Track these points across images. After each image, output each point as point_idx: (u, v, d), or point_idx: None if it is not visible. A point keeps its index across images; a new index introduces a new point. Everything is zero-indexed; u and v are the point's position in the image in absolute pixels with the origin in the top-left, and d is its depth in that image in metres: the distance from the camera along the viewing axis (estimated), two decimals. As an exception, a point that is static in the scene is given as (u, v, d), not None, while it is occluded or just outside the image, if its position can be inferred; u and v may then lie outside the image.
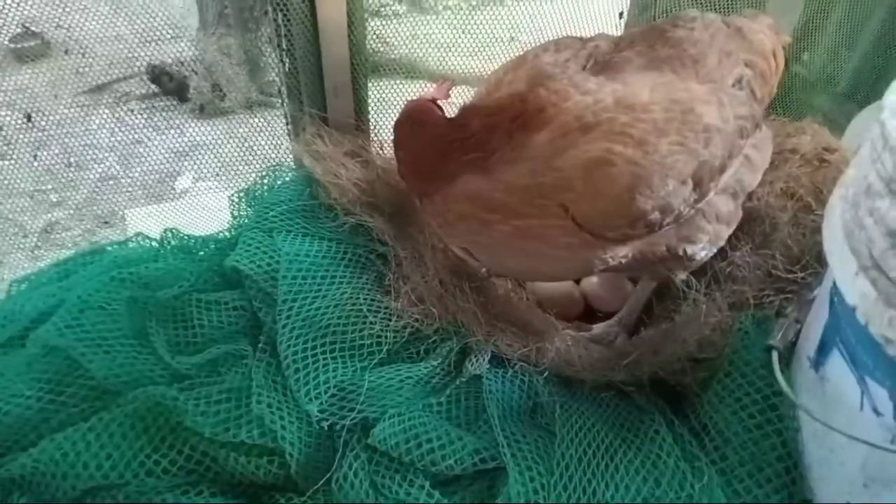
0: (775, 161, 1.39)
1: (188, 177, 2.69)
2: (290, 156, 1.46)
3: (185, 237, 1.31)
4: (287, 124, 1.41)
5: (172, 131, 2.13)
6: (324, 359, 1.05)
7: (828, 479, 0.91)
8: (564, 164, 0.98)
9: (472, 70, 1.64)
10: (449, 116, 1.04)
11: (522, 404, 1.07)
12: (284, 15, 1.21)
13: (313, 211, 1.26)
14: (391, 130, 1.06)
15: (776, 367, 0.96)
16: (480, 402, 1.06)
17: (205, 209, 1.83)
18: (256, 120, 2.13)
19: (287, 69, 1.29)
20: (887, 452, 0.79)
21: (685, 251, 1.13)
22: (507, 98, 1.05)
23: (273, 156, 1.67)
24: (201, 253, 1.30)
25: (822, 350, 0.89)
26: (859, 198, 0.79)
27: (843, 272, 0.79)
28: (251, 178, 1.36)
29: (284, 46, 1.26)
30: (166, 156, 2.18)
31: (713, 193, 1.11)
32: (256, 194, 1.34)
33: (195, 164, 2.22)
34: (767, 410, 0.97)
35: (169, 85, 1.86)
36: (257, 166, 1.72)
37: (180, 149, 2.12)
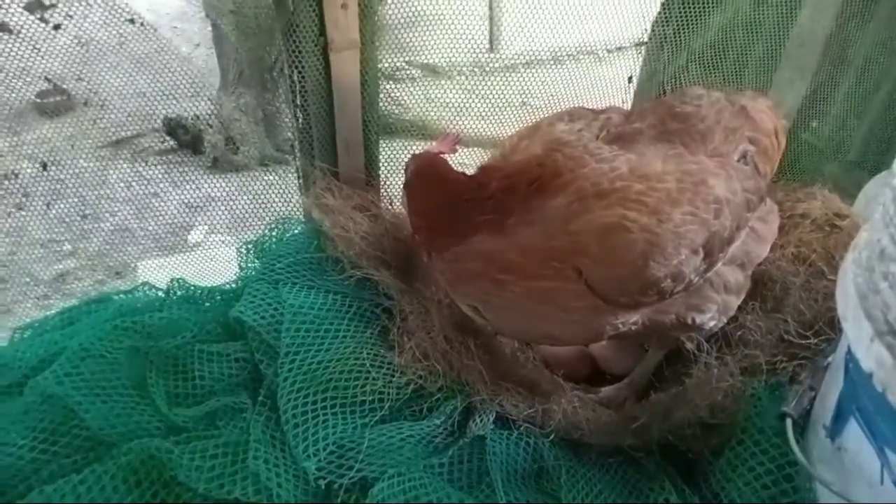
0: (785, 226, 1.39)
1: (201, 230, 2.72)
2: (300, 209, 1.46)
3: (191, 287, 1.30)
4: (298, 178, 1.42)
5: (188, 185, 2.15)
6: (324, 414, 1.03)
7: (848, 555, 0.86)
8: (580, 229, 0.98)
9: (483, 133, 1.67)
10: (468, 174, 1.06)
11: (527, 468, 1.03)
12: (300, 73, 1.23)
13: (320, 264, 1.25)
14: (402, 187, 1.07)
15: (790, 435, 0.93)
16: (483, 463, 1.03)
17: (216, 262, 1.84)
18: (269, 176, 2.18)
19: (300, 125, 1.31)
20: (911, 530, 0.75)
21: (694, 320, 1.12)
22: (525, 162, 1.07)
23: (284, 210, 1.68)
24: (206, 304, 1.29)
25: (838, 419, 0.86)
26: (873, 262, 0.78)
27: (859, 338, 0.77)
28: (262, 232, 1.37)
29: (299, 103, 1.29)
30: (180, 209, 2.20)
31: (721, 264, 1.11)
32: (265, 246, 1.34)
33: (209, 217, 2.26)
34: (782, 481, 0.92)
35: (184, 137, 1.90)
36: (269, 220, 1.74)
37: (194, 202, 2.15)
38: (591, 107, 1.25)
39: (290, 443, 0.99)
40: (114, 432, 1.00)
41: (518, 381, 1.17)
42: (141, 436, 1.00)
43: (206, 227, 2.68)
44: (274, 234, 1.35)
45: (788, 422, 0.96)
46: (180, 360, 1.14)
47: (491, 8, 2.95)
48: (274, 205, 1.73)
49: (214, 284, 1.34)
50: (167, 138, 1.89)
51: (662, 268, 0.99)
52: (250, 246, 1.36)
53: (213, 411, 1.07)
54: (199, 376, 1.11)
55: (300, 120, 1.31)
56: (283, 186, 1.93)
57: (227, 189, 1.98)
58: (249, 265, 1.35)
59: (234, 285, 1.33)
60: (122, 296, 1.30)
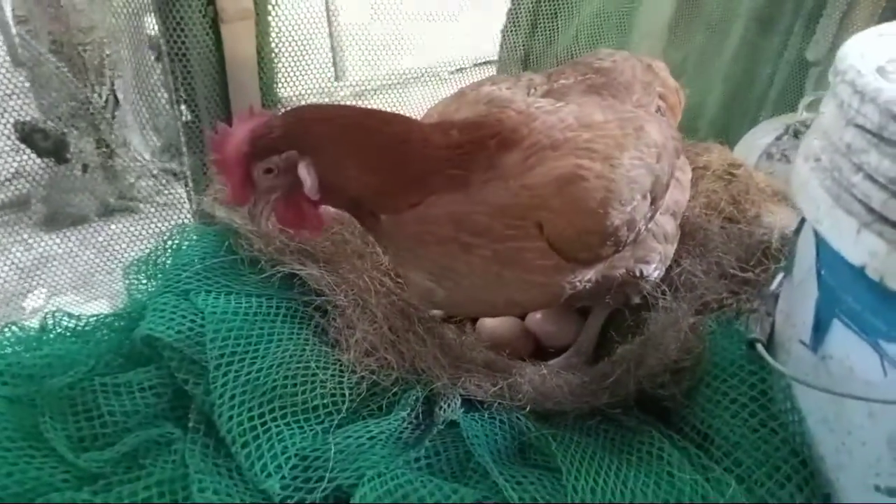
0: (692, 177, 1.43)
1: (40, 293, 2.38)
2: (192, 217, 1.29)
3: (72, 319, 1.09)
4: (186, 182, 1.25)
5: (16, 246, 1.89)
6: (276, 426, 0.88)
7: (847, 466, 0.85)
8: (537, 182, 0.93)
9: None
10: (420, 123, 0.96)
11: (509, 445, 0.95)
12: (184, 55, 1.08)
13: (234, 266, 1.10)
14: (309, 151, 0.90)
15: (767, 356, 0.92)
16: (461, 449, 0.93)
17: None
18: (115, 226, 1.96)
19: (187, 119, 1.15)
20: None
21: (641, 272, 1.12)
22: (483, 116, 1.00)
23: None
24: (97, 335, 1.08)
25: (819, 329, 0.86)
26: (840, 161, 0.79)
27: (842, 236, 0.77)
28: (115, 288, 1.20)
29: (183, 94, 1.13)
30: (10, 274, 1.91)
31: (660, 213, 1.11)
32: (158, 261, 1.16)
33: (47, 279, 1.97)
34: (768, 406, 0.91)
35: (44, 144, 1.62)
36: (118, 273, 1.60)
37: (26, 264, 1.88)
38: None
39: (243, 465, 0.84)
40: (9, 494, 0.79)
41: (473, 363, 1.09)
42: (45, 492, 0.80)
43: (45, 290, 2.36)
44: (168, 245, 1.17)
45: (759, 346, 0.95)
46: (78, 400, 0.93)
47: (332, 39, 2.92)
48: (124, 255, 1.62)
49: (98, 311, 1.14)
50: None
51: (620, 215, 0.96)
52: (139, 265, 1.17)
53: (134, 450, 0.88)
54: (106, 413, 0.92)
55: (185, 115, 1.15)
56: (134, 234, 1.75)
57: (65, 246, 1.77)
58: (140, 286, 1.16)
59: (123, 311, 1.14)
60: (-21, 342, 1.06)
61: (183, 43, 1.06)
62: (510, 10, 1.69)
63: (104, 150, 2.22)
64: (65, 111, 1.75)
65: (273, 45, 1.16)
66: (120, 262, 1.65)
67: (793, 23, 1.97)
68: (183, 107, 1.14)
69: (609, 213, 0.94)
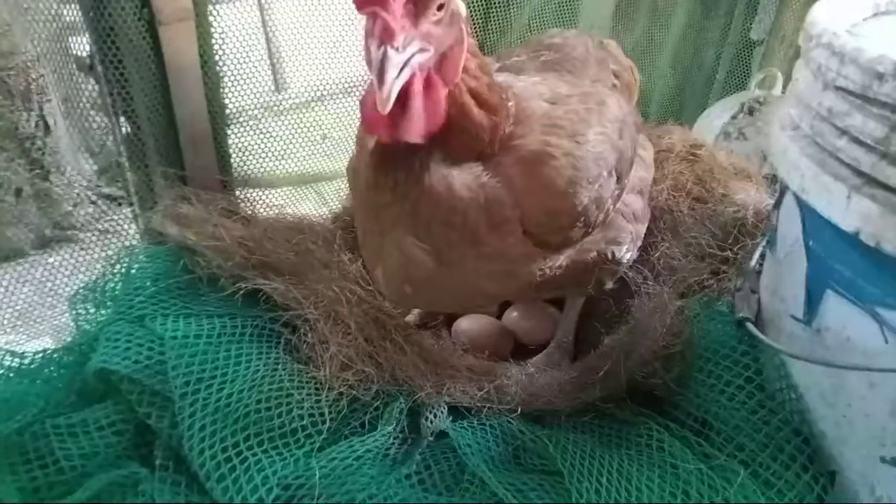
0: (656, 160, 1.42)
1: None
2: (138, 235, 1.20)
3: (16, 357, 1.00)
4: (130, 199, 1.16)
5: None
6: (253, 455, 0.81)
7: (850, 439, 0.83)
8: (509, 162, 0.88)
9: (290, 171, 1.54)
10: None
11: (503, 451, 0.90)
12: (118, 62, 0.99)
13: (192, 286, 1.02)
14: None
15: (759, 335, 0.90)
16: (454, 461, 0.88)
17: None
18: (53, 258, 1.84)
19: (127, 133, 1.07)
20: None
21: (613, 254, 1.08)
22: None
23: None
24: (44, 372, 0.99)
25: (812, 300, 0.84)
26: (821, 126, 0.76)
27: (831, 203, 0.74)
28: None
29: (120, 106, 1.04)
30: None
31: (626, 192, 1.08)
32: (107, 288, 1.07)
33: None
34: (764, 386, 0.89)
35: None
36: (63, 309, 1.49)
37: None
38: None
39: (219, 499, 0.76)
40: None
41: (455, 368, 1.04)
42: (-1, 553, 0.72)
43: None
44: (116, 270, 1.08)
45: (750, 325, 0.93)
46: (29, 445, 0.85)
47: (269, 50, 2.86)
48: (65, 288, 1.49)
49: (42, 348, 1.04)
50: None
51: (588, 192, 0.92)
52: (86, 292, 1.08)
53: (96, 495, 0.80)
54: (63, 458, 0.83)
55: (125, 128, 1.06)
56: (75, 265, 1.63)
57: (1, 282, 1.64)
58: (88, 317, 1.07)
59: (72, 345, 1.05)
60: (-87, 391, 0.96)
61: (118, 49, 0.98)
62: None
63: (37, 176, 2.11)
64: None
65: (216, 47, 1.08)
66: (61, 295, 1.51)
67: (734, 4, 1.99)
68: (122, 119, 1.06)
69: (578, 192, 0.91)
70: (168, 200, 1.08)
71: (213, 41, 1.08)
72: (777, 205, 0.95)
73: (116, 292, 1.07)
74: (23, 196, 2.12)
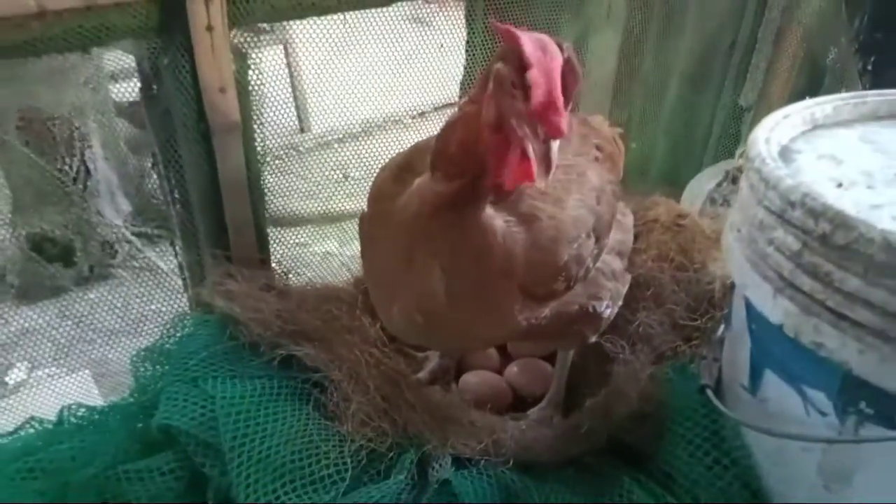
0: (643, 231, 1.58)
1: (21, 368, 2.42)
2: (188, 306, 1.39)
3: (89, 410, 1.18)
4: (183, 274, 1.35)
5: (-7, 322, 1.90)
6: (288, 498, 0.98)
7: (791, 495, 0.99)
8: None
9: (311, 211, 1.69)
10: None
11: (496, 498, 1.06)
12: (177, 165, 1.20)
13: (237, 352, 1.20)
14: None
15: (716, 401, 1.05)
16: (455, 506, 1.04)
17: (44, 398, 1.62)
18: (92, 294, 1.99)
19: (182, 219, 1.26)
20: (839, 450, 0.89)
21: (594, 308, 1.22)
22: None
23: (120, 326, 1.60)
24: (111, 424, 1.17)
25: (754, 375, 1.00)
26: (755, 234, 0.93)
27: (762, 298, 0.91)
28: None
29: (177, 196, 1.24)
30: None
31: (605, 252, 1.24)
32: (164, 349, 1.26)
33: (26, 352, 1.97)
34: (720, 445, 1.04)
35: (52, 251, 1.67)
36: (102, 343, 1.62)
37: (5, 340, 1.91)
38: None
39: (262, 537, 0.94)
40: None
41: (459, 423, 1.20)
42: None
43: (26, 364, 2.39)
44: (172, 335, 1.27)
45: (709, 392, 1.09)
46: (105, 488, 1.03)
47: (294, 91, 3.04)
48: (104, 323, 1.62)
49: (111, 402, 1.23)
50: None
51: (568, 250, 1.08)
52: (146, 353, 1.27)
53: (161, 531, 0.98)
54: (133, 499, 1.01)
55: (181, 216, 1.26)
56: (112, 302, 1.78)
57: (43, 318, 1.76)
58: (147, 373, 1.26)
59: (134, 398, 1.23)
60: (3, 439, 1.15)
61: (178, 154, 1.18)
62: (466, 60, 1.78)
63: (78, 218, 2.28)
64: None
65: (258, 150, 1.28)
66: (100, 330, 1.63)
67: (724, 76, 2.16)
68: (179, 207, 1.25)
69: (559, 248, 1.07)
70: (215, 276, 1.27)
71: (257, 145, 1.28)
72: (732, 287, 1.12)
73: (173, 354, 1.25)
74: (66, 236, 2.28)
